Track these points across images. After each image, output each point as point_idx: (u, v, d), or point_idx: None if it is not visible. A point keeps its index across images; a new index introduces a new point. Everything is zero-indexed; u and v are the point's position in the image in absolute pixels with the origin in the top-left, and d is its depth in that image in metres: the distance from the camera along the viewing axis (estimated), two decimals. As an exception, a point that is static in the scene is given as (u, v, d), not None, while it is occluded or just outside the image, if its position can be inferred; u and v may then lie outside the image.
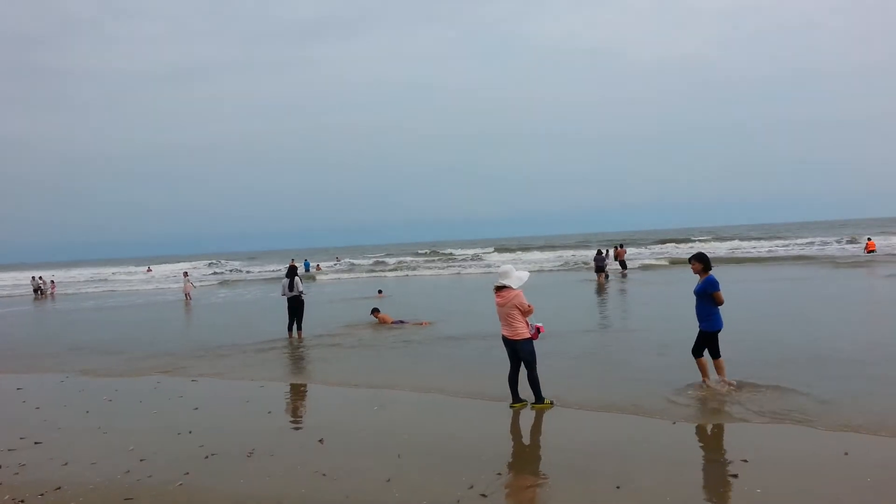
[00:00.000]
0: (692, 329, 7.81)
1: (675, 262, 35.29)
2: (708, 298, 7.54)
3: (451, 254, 63.35)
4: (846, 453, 5.32)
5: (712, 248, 49.58)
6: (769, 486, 4.72)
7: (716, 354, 7.58)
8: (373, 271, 45.56)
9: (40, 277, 41.53)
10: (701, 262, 7.73)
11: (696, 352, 7.68)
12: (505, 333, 7.35)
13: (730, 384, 7.50)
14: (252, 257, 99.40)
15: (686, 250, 49.07)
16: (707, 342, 7.59)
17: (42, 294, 38.25)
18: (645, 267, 33.26)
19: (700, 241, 61.40)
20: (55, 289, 40.04)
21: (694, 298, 7.74)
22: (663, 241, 61.63)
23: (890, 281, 20.80)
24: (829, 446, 5.55)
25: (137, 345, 14.38)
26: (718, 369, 7.59)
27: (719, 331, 7.55)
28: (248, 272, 55.51)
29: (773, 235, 64.11)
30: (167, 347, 13.61)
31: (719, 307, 7.53)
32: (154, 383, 9.85)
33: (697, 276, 7.77)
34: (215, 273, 56.11)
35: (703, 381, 7.64)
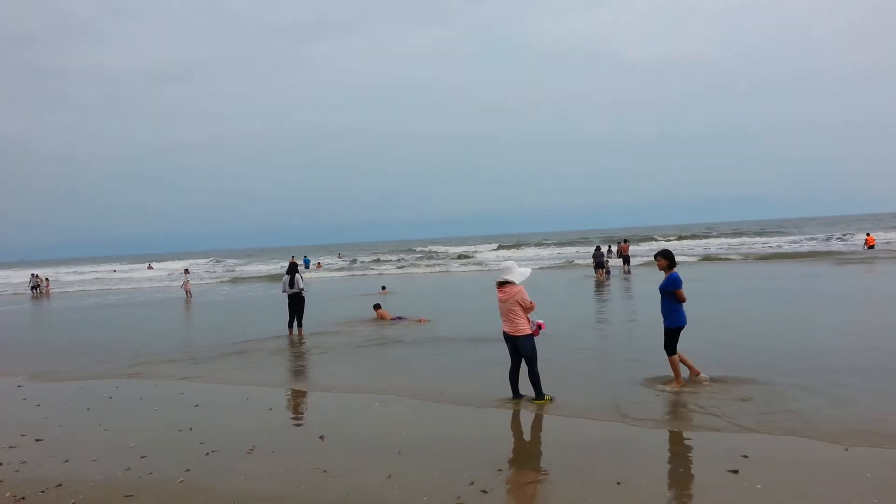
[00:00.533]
0: (687, 329, 7.82)
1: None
2: (670, 295, 7.64)
3: (446, 252, 63.27)
4: (846, 449, 5.33)
5: (711, 245, 49.58)
6: (769, 481, 4.72)
7: (670, 351, 7.65)
8: (369, 269, 45.48)
9: (37, 275, 41.30)
10: (666, 259, 7.83)
11: (668, 350, 7.74)
12: (506, 329, 7.35)
13: (679, 384, 7.54)
14: (252, 255, 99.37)
15: (688, 247, 49.07)
16: (671, 338, 7.66)
17: (40, 292, 38.12)
18: (648, 264, 33.15)
19: (705, 238, 61.34)
20: (50, 287, 39.83)
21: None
22: (667, 238, 61.60)
23: (891, 279, 20.80)
24: (829, 443, 5.55)
25: (130, 345, 14.37)
26: (672, 365, 7.66)
27: (682, 327, 7.65)
28: (256, 269, 55.47)
29: (771, 232, 64.05)
30: (163, 347, 13.60)
31: (682, 304, 7.63)
32: (153, 381, 9.85)
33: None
34: (226, 270, 55.93)
35: (690, 377, 7.72)
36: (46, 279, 41.41)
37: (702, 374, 7.70)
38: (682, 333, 7.74)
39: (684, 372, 7.83)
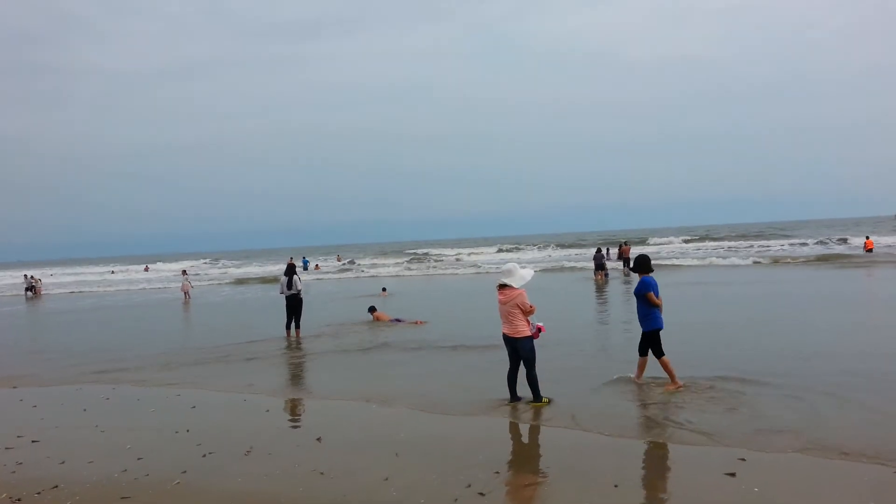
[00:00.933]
0: (674, 332, 7.89)
1: (677, 263, 35.31)
2: (644, 299, 7.78)
3: (440, 254, 63.11)
4: (844, 453, 5.32)
5: (710, 248, 49.62)
6: (767, 484, 4.72)
7: (658, 353, 7.78)
8: (368, 271, 45.43)
9: (32, 276, 40.72)
10: (636, 264, 8.04)
11: (641, 351, 7.94)
12: (505, 331, 7.35)
13: (677, 385, 7.57)
14: (251, 256, 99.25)
15: (685, 250, 49.09)
16: (647, 342, 7.80)
17: (35, 292, 37.63)
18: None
19: (704, 241, 61.39)
20: (41, 288, 38.72)
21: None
22: (669, 241, 61.61)
23: (889, 283, 20.80)
24: (825, 446, 5.55)
25: (128, 347, 14.35)
26: (664, 367, 7.75)
27: (657, 331, 7.76)
28: (254, 270, 55.35)
29: (770, 234, 64.05)
30: (161, 349, 13.57)
31: (657, 308, 7.77)
32: (149, 383, 9.83)
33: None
34: (223, 272, 55.72)
35: (635, 378, 7.95)
36: (38, 280, 40.56)
37: (640, 380, 7.91)
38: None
39: (635, 372, 8.07)
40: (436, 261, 52.92)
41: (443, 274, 38.52)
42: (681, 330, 11.26)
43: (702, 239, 62.61)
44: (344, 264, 55.63)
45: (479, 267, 41.68)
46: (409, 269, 44.89)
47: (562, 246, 65.00)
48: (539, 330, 7.38)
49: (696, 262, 35.51)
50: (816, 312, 14.01)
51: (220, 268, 62.79)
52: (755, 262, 33.22)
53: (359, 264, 53.91)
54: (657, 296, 7.77)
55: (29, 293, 37.35)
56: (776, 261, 33.72)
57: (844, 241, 46.63)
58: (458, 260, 53.14)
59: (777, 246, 47.09)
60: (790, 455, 5.34)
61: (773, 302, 16.34)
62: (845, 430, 5.86)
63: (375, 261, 57.75)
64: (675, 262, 35.37)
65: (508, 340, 7.36)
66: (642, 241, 60.94)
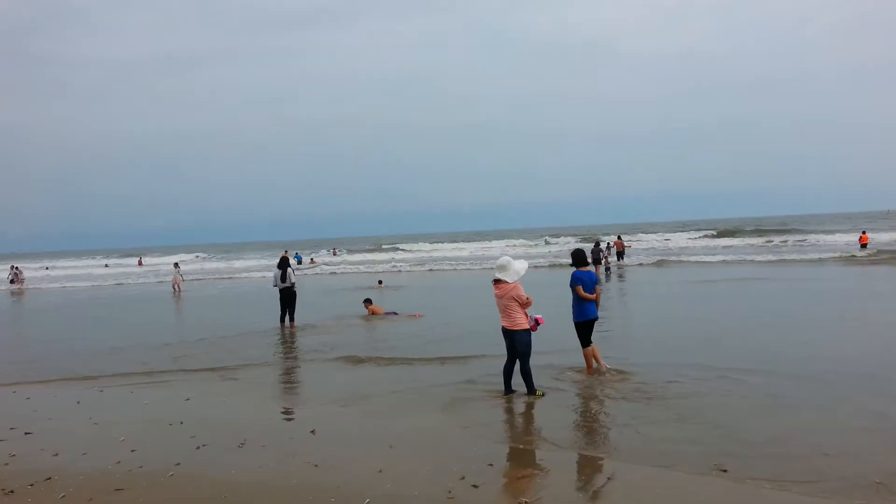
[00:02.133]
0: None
1: (670, 260, 35.33)
2: (573, 292, 8.16)
3: (417, 249, 62.85)
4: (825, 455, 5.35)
5: (705, 244, 49.73)
6: (757, 478, 4.74)
7: (582, 344, 8.24)
8: (362, 264, 45.30)
9: (17, 268, 39.97)
10: (571, 258, 8.50)
11: (581, 343, 8.27)
12: (504, 324, 7.37)
13: (572, 370, 8.22)
14: (247, 249, 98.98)
15: (682, 247, 49.14)
16: (577, 332, 8.19)
17: (20, 283, 37.14)
18: (653, 263, 30.88)
19: (700, 238, 61.49)
20: (23, 281, 38.07)
21: None
22: (665, 237, 61.69)
23: (877, 280, 20.86)
24: (818, 443, 5.57)
25: (116, 341, 14.31)
26: (585, 357, 8.22)
27: (581, 322, 8.16)
28: (249, 264, 55.18)
29: (766, 230, 64.18)
30: (155, 343, 13.54)
31: (587, 301, 8.10)
32: (143, 376, 9.82)
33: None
34: (216, 265, 55.38)
35: (597, 367, 8.19)
36: (21, 271, 39.26)
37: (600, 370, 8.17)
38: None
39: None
40: (407, 261, 51.32)
41: (438, 269, 38.36)
42: (679, 327, 11.25)
43: (700, 236, 62.61)
44: (341, 258, 55.48)
45: (473, 261, 41.47)
46: (406, 262, 44.72)
47: (560, 236, 65.03)
48: (537, 322, 7.38)
49: (686, 259, 35.50)
50: (803, 317, 14.06)
51: (217, 262, 62.48)
52: (743, 258, 33.28)
53: (352, 259, 53.65)
54: (588, 290, 8.08)
55: (13, 285, 36.84)
56: (771, 259, 33.81)
57: (839, 235, 46.69)
58: (445, 252, 52.61)
59: (773, 241, 47.22)
60: (782, 450, 5.35)
61: (764, 300, 16.38)
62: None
63: (345, 252, 56.52)
64: (675, 258, 35.39)
65: (507, 333, 7.37)
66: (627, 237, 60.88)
